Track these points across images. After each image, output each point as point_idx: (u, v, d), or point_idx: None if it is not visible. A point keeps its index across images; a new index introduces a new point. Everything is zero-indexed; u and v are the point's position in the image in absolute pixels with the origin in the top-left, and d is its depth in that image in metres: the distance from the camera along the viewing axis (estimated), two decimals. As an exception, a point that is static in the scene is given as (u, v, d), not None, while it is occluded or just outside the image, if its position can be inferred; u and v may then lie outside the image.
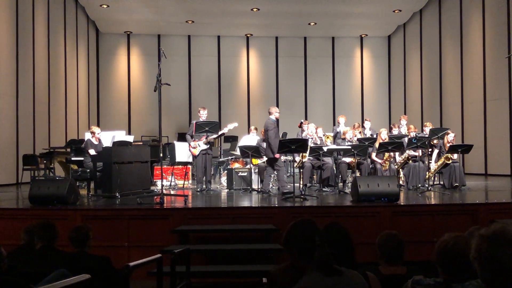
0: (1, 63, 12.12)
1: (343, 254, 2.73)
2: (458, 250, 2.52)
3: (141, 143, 13.20)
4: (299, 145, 8.40)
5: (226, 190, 10.42)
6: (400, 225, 6.64)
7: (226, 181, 10.87)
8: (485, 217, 6.70)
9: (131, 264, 3.56)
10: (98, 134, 9.73)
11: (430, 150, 10.13)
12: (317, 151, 9.45)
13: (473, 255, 1.86)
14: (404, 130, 11.41)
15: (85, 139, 9.87)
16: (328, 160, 10.02)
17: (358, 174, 10.06)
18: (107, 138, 9.98)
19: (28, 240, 4.54)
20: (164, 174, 10.18)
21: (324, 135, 11.54)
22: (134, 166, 9.40)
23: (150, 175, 10.81)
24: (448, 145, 10.00)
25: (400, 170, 10.37)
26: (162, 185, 8.16)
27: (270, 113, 9.58)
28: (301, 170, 9.86)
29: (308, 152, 9.58)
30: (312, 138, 10.17)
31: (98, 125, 17.51)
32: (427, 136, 10.16)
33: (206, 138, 9.86)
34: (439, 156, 10.25)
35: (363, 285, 2.44)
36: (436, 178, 10.89)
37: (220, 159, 13.15)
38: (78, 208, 7.21)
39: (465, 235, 2.74)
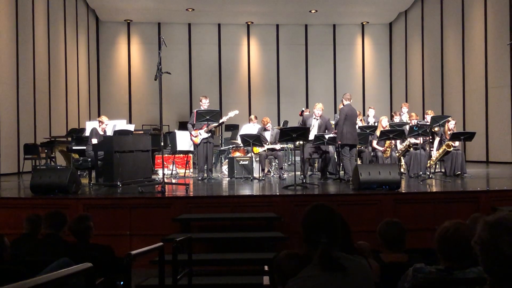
0: (2, 53, 12.07)
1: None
2: (459, 237, 2.52)
3: (142, 132, 13.19)
4: (300, 133, 8.37)
5: (227, 179, 10.43)
6: (402, 213, 6.65)
7: (227, 169, 10.88)
8: (487, 205, 6.71)
9: (133, 252, 3.56)
10: (105, 125, 9.71)
11: (431, 138, 10.11)
12: (320, 139, 9.45)
13: (475, 240, 1.87)
14: (405, 118, 11.39)
15: (90, 128, 9.84)
16: (330, 148, 10.02)
17: (359, 162, 10.06)
18: (108, 128, 9.98)
19: (31, 229, 4.56)
20: (165, 163, 10.20)
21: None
22: (135, 155, 9.40)
23: (151, 164, 10.81)
24: (449, 132, 10.00)
25: (402, 157, 10.36)
26: (163, 174, 8.17)
27: (349, 99, 9.52)
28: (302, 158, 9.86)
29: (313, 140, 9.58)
30: (317, 118, 9.91)
31: (99, 115, 17.55)
32: (428, 123, 10.15)
33: (207, 126, 9.85)
34: (440, 144, 10.25)
35: (368, 283, 2.41)
36: (437, 166, 10.88)
37: (221, 148, 13.15)
38: (79, 197, 7.22)
39: (466, 223, 2.74)
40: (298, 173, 9.16)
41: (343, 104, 9.47)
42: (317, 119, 9.89)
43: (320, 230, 2.41)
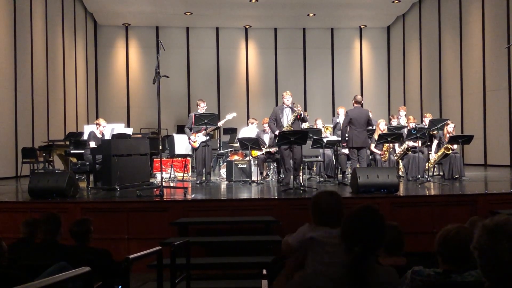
0: (0, 56, 12.09)
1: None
2: (460, 240, 2.52)
3: (140, 135, 13.18)
4: (299, 136, 8.35)
5: (226, 182, 10.43)
6: (400, 216, 6.64)
7: (225, 173, 10.87)
8: (485, 208, 6.71)
9: (131, 256, 3.55)
10: (103, 127, 9.71)
11: (428, 142, 10.12)
12: (318, 143, 9.44)
13: (473, 246, 1.86)
14: (403, 121, 11.40)
15: (88, 131, 9.84)
16: (328, 151, 10.02)
17: (357, 165, 10.06)
18: (106, 130, 9.97)
19: (28, 233, 4.54)
20: (163, 167, 10.18)
21: (323, 126, 11.53)
22: (133, 158, 9.39)
23: (149, 168, 10.81)
24: (448, 135, 10.01)
25: (400, 161, 10.37)
26: (162, 178, 8.16)
27: (359, 102, 9.40)
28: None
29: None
30: (291, 108, 9.05)
31: (97, 118, 17.55)
32: (426, 127, 10.16)
33: (205, 130, 9.83)
34: (438, 147, 10.26)
35: None
36: (435, 169, 10.89)
37: (220, 151, 13.14)
38: (77, 201, 7.21)
39: (467, 227, 2.74)
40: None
41: (353, 106, 9.44)
42: (288, 107, 9.12)
43: (357, 238, 2.31)
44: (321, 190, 3.21)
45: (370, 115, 11.89)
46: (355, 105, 9.39)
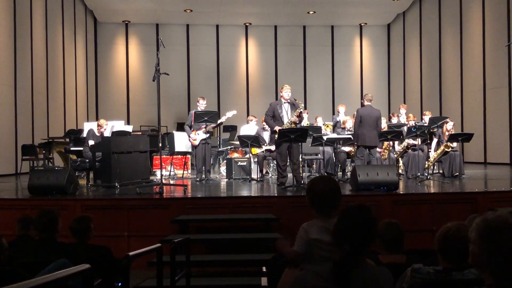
0: (0, 54, 12.07)
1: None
2: (460, 238, 2.52)
3: (140, 133, 13.17)
4: (299, 134, 8.32)
5: (226, 180, 10.42)
6: (400, 214, 6.65)
7: (225, 170, 10.87)
8: (485, 206, 6.71)
9: (131, 253, 3.56)
10: (103, 128, 9.70)
11: (428, 139, 10.12)
12: (318, 140, 9.44)
13: (473, 237, 1.85)
14: (403, 119, 11.38)
15: (88, 129, 9.84)
16: (328, 149, 10.02)
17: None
18: (106, 130, 9.96)
19: (23, 231, 4.51)
20: (163, 164, 10.18)
21: (324, 124, 11.53)
22: (133, 156, 9.39)
23: (149, 165, 10.80)
24: (446, 133, 10.02)
25: (400, 159, 10.37)
26: (162, 175, 8.15)
27: (370, 100, 9.33)
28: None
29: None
30: (289, 102, 8.85)
31: (97, 116, 17.57)
32: (426, 125, 10.16)
33: (205, 127, 9.83)
34: (438, 145, 10.26)
35: None
36: (435, 167, 10.89)
37: (220, 149, 13.14)
38: (77, 198, 7.21)
39: (467, 224, 2.74)
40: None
41: (364, 105, 9.41)
42: (287, 103, 8.87)
43: (347, 236, 2.32)
44: (317, 176, 3.23)
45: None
46: (366, 103, 9.35)
